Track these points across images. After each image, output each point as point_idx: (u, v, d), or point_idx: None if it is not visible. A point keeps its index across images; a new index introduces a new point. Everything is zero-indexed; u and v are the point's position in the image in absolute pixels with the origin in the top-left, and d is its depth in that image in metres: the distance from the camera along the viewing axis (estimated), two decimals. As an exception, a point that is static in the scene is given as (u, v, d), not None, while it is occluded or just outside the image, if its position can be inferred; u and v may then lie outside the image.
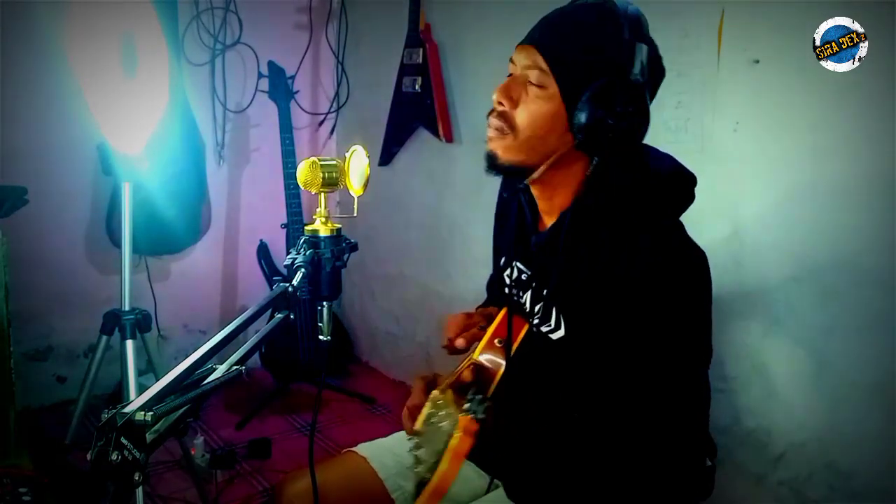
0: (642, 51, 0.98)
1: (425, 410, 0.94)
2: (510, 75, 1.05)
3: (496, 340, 1.13)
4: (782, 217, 1.64)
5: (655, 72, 1.04)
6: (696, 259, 1.01)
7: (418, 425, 0.95)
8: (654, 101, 1.04)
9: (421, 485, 0.82)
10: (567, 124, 1.00)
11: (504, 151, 1.03)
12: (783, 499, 1.69)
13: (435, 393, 0.96)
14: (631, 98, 0.97)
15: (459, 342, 1.12)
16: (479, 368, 1.12)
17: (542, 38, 1.00)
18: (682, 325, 1.00)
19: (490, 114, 1.04)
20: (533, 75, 1.00)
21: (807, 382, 1.64)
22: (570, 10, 1.03)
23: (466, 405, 0.86)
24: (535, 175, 1.05)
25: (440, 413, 0.87)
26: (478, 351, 1.15)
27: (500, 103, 1.02)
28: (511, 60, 1.05)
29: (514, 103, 1.02)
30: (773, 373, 1.70)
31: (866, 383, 1.53)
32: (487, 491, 1.22)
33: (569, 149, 1.02)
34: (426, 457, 0.86)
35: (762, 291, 1.69)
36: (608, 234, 1.00)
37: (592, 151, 1.02)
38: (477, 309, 1.30)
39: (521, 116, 1.01)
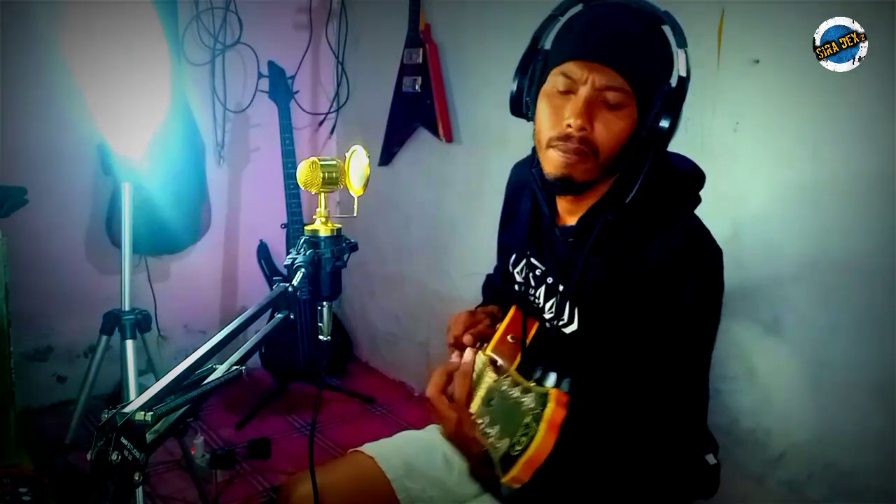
0: (686, 54, 1.01)
1: (481, 392, 0.96)
2: (566, 92, 1.01)
3: (509, 337, 1.14)
4: (782, 217, 1.64)
5: None
6: (716, 250, 1.04)
7: (475, 408, 0.96)
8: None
9: (506, 459, 0.81)
10: (633, 135, 1.01)
11: (584, 174, 1.02)
12: (783, 499, 1.69)
13: (493, 377, 0.97)
14: (681, 101, 1.01)
15: (467, 339, 1.13)
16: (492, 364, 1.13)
17: (621, 59, 0.97)
18: (701, 313, 1.02)
19: (564, 138, 1.00)
20: (611, 96, 0.98)
21: (807, 382, 1.64)
22: (623, 21, 1.00)
23: (538, 380, 0.86)
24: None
25: (511, 390, 0.85)
26: (490, 347, 1.16)
27: (583, 128, 0.99)
28: (566, 76, 1.00)
29: (594, 126, 0.99)
30: (773, 373, 1.70)
31: (866, 383, 1.53)
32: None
33: None
34: (503, 433, 0.83)
35: (762, 291, 1.69)
36: (634, 230, 1.03)
37: (657, 156, 1.04)
38: (477, 308, 1.31)
39: (604, 138, 0.99)
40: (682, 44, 1.00)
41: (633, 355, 1.02)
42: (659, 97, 0.99)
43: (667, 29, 1.02)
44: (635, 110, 0.99)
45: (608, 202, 1.05)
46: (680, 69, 1.01)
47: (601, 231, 1.04)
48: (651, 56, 1.00)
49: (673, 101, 1.00)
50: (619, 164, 1.04)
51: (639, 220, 1.03)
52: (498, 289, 1.37)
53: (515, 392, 0.84)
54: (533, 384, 0.83)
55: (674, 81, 1.02)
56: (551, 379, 0.82)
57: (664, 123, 0.99)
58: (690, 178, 1.09)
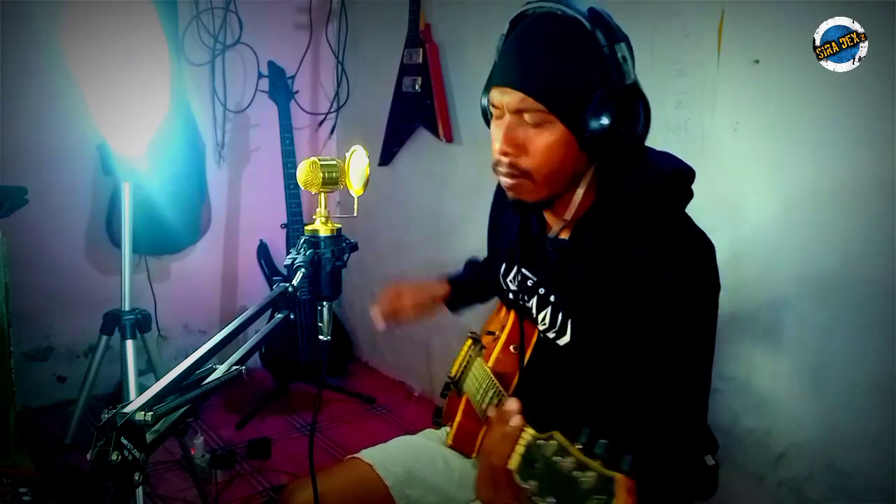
0: (622, 49, 0.96)
1: (519, 448, 0.84)
2: (499, 117, 1.02)
3: (511, 347, 1.14)
4: (782, 216, 1.64)
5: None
6: (706, 247, 1.02)
7: (513, 465, 0.83)
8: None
9: None
10: (578, 145, 0.99)
11: (530, 195, 1.02)
12: (783, 499, 1.69)
13: (531, 433, 0.84)
14: (629, 98, 0.97)
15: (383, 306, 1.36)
16: (498, 377, 1.13)
17: (524, 79, 0.97)
18: (695, 313, 1.01)
19: (496, 165, 1.02)
20: (528, 116, 0.98)
21: (807, 382, 1.64)
22: (534, 35, 0.99)
23: (586, 446, 0.76)
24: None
25: (562, 461, 0.76)
26: (492, 360, 1.16)
27: (505, 153, 1.00)
28: (492, 103, 1.02)
29: (520, 148, 0.99)
30: (773, 373, 1.70)
31: (866, 383, 1.53)
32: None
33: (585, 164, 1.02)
34: None
35: (762, 291, 1.69)
36: (622, 237, 1.01)
37: (611, 160, 1.02)
38: (446, 275, 1.44)
39: (533, 159, 0.99)
40: (614, 39, 0.96)
41: (633, 363, 1.01)
42: (591, 105, 0.96)
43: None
44: (560, 124, 0.97)
45: (593, 216, 1.04)
46: (622, 65, 0.97)
47: (591, 242, 1.03)
48: (563, 66, 0.96)
49: (603, 104, 0.95)
50: (571, 175, 1.02)
51: (621, 227, 1.02)
52: (476, 272, 1.43)
53: (568, 463, 0.76)
54: (589, 459, 0.75)
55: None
56: (600, 446, 0.75)
57: (598, 124, 0.95)
58: (675, 177, 1.06)
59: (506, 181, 1.03)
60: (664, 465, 0.98)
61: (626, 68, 0.96)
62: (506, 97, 0.99)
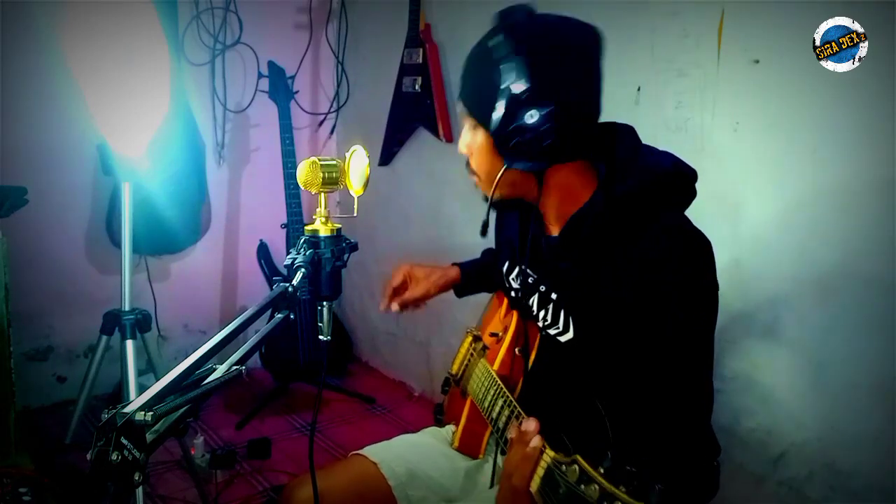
0: (517, 63, 0.97)
1: (540, 471, 0.85)
2: None
3: (516, 350, 1.14)
4: (782, 216, 1.64)
5: (555, 62, 1.01)
6: (705, 247, 1.03)
7: (534, 487, 0.85)
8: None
9: None
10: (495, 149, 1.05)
11: (484, 191, 1.13)
12: (783, 499, 1.69)
13: (551, 454, 0.85)
14: (529, 104, 0.98)
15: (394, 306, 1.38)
16: (503, 379, 1.14)
17: (460, 91, 1.10)
18: (695, 313, 1.02)
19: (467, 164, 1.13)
20: (467, 121, 1.09)
21: (807, 382, 1.64)
22: (475, 50, 1.06)
23: (609, 471, 0.75)
24: (530, 197, 1.09)
25: (586, 489, 0.76)
26: (497, 363, 1.16)
27: (463, 153, 1.12)
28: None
29: (469, 150, 1.11)
30: (774, 373, 1.70)
31: (866, 383, 1.53)
32: (490, 486, 1.23)
33: (555, 166, 1.05)
34: None
35: (762, 290, 1.69)
36: (622, 236, 1.02)
37: (517, 160, 1.03)
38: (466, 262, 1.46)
39: (475, 159, 1.10)
40: (506, 50, 0.98)
41: (635, 360, 1.02)
42: (495, 107, 1.00)
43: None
44: (481, 128, 1.05)
45: (589, 210, 1.05)
46: (522, 78, 0.98)
47: (586, 240, 1.04)
48: (478, 76, 1.05)
49: (510, 104, 0.98)
50: (495, 174, 1.07)
51: (620, 226, 1.02)
52: (492, 259, 1.44)
53: (592, 492, 0.75)
54: (615, 489, 0.73)
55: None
56: (625, 475, 0.74)
57: (497, 126, 1.00)
58: (675, 176, 1.07)
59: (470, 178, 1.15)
60: (668, 466, 0.98)
61: (519, 76, 0.98)
62: (459, 107, 1.11)
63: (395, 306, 1.42)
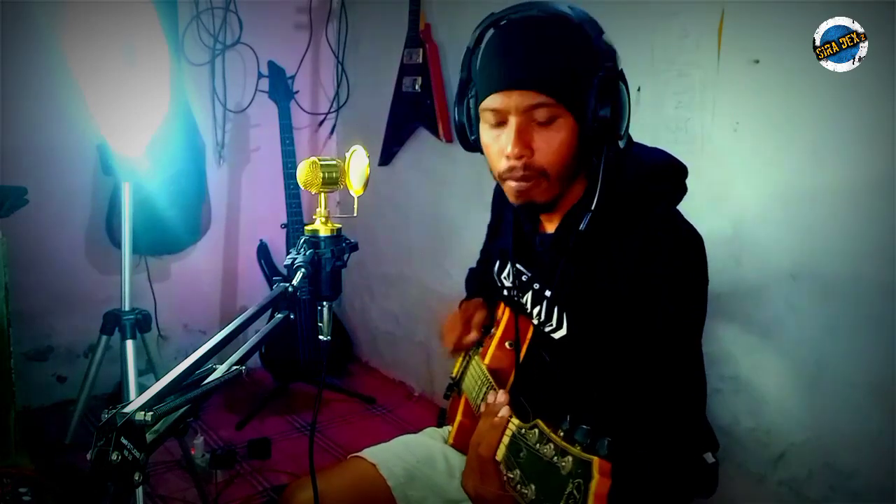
0: (608, 38, 0.99)
1: (505, 439, 0.87)
2: (499, 124, 1.02)
3: (507, 343, 1.14)
4: (782, 216, 1.64)
5: None
6: (696, 241, 1.04)
7: (500, 455, 0.88)
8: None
9: None
10: (580, 137, 1.00)
11: (543, 195, 1.03)
12: (783, 499, 1.69)
13: (517, 423, 0.87)
14: (620, 86, 0.99)
15: (472, 336, 1.21)
16: (494, 373, 1.13)
17: (534, 78, 0.98)
18: (685, 306, 1.02)
19: (510, 170, 1.01)
20: (540, 114, 0.98)
21: (807, 382, 1.64)
22: (526, 36, 1.01)
23: (567, 433, 0.79)
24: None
25: (542, 447, 0.80)
26: (488, 356, 1.16)
27: (521, 155, 1.00)
28: (493, 110, 1.01)
29: (533, 150, 1.00)
30: (773, 372, 1.70)
31: (866, 383, 1.53)
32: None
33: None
34: (542, 495, 0.78)
35: (762, 290, 1.69)
36: (611, 231, 1.02)
37: (608, 149, 1.02)
38: (462, 303, 1.33)
39: (546, 157, 1.00)
40: (596, 30, 0.98)
41: (628, 355, 1.02)
42: (592, 90, 0.97)
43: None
44: (571, 116, 0.98)
45: (582, 207, 1.05)
46: (605, 53, 0.98)
47: (578, 237, 1.04)
48: (564, 59, 0.98)
49: (606, 87, 0.97)
50: (579, 168, 1.04)
51: (614, 220, 1.02)
52: (482, 282, 1.39)
53: (548, 450, 0.79)
54: (568, 445, 0.77)
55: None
56: (580, 432, 0.77)
57: (604, 112, 0.97)
58: (663, 171, 1.07)
59: (520, 185, 1.02)
60: (657, 457, 0.98)
61: (616, 55, 0.99)
62: (516, 99, 0.98)
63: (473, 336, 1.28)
